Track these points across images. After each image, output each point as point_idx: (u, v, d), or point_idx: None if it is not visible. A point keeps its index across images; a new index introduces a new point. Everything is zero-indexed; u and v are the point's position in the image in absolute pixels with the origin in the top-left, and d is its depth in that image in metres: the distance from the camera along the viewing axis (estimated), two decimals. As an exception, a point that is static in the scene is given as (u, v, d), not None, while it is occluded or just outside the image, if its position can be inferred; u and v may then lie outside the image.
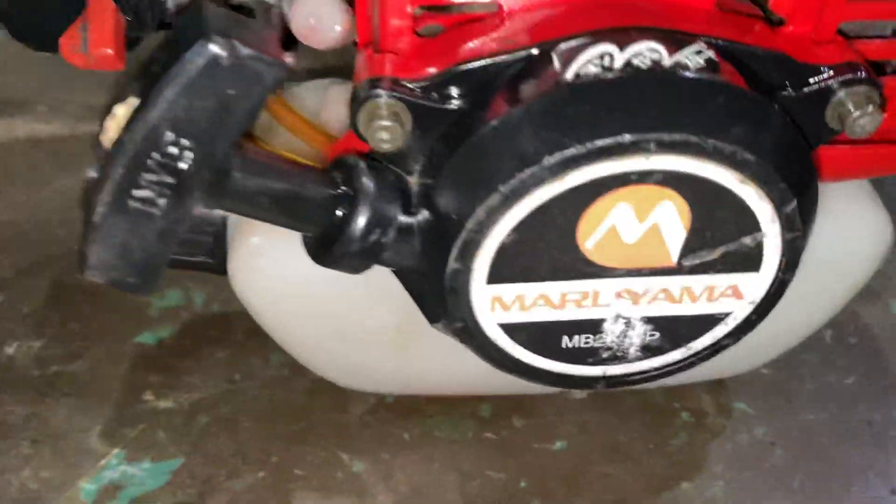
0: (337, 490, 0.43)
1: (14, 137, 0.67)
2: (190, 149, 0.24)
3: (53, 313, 0.53)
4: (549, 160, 0.25)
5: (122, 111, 0.24)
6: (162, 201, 0.25)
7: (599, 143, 0.25)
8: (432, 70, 0.28)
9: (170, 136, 0.24)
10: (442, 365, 0.41)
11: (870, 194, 0.39)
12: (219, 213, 0.38)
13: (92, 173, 0.25)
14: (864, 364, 0.50)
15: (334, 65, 0.52)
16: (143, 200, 0.24)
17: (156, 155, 0.24)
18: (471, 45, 0.28)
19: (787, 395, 0.48)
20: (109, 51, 0.29)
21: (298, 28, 0.32)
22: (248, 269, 0.36)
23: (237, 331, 0.52)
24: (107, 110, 0.24)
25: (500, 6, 0.29)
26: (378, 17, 0.29)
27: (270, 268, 0.36)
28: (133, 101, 0.24)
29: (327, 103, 0.39)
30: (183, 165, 0.24)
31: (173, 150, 0.24)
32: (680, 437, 0.46)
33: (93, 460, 0.45)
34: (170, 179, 0.24)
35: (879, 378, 0.50)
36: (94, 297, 0.54)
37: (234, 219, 0.37)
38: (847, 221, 0.37)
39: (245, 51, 0.23)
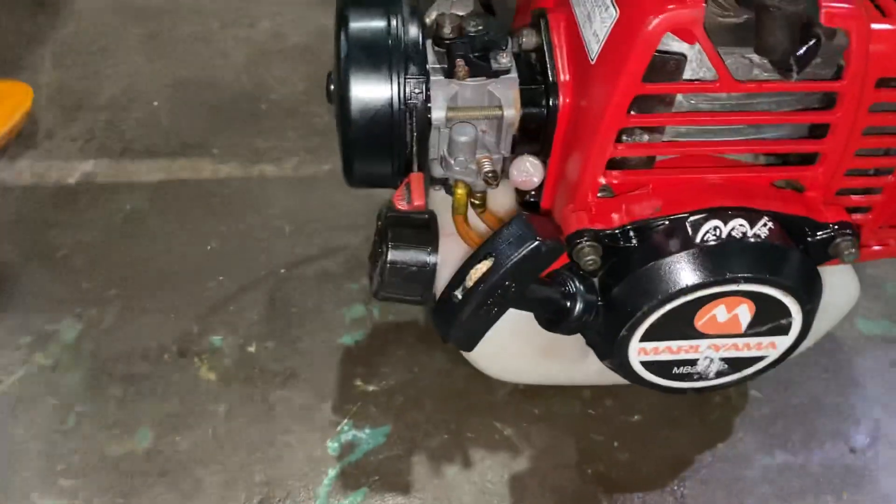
0: (496, 446, 0.65)
1: (202, 176, 0.85)
2: (514, 285, 0.45)
3: (275, 321, 0.73)
4: (685, 284, 0.47)
5: (481, 266, 0.45)
6: (495, 308, 0.46)
7: (713, 278, 0.46)
8: (615, 217, 0.49)
9: (507, 281, 0.45)
10: (562, 368, 0.63)
11: (847, 266, 0.61)
12: (429, 270, 0.59)
13: (457, 294, 0.46)
14: (836, 364, 0.72)
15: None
16: (487, 310, 0.45)
17: (498, 290, 0.45)
18: (636, 207, 0.49)
19: (784, 386, 0.69)
20: (419, 202, 0.49)
21: (515, 180, 0.53)
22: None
23: (408, 335, 0.73)
24: (465, 264, 0.45)
25: (650, 184, 0.50)
26: (579, 187, 0.50)
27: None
28: (488, 262, 0.45)
29: (495, 196, 0.59)
30: (510, 293, 0.45)
31: (507, 286, 0.45)
32: (715, 414, 0.67)
33: (331, 427, 0.66)
34: (502, 299, 0.45)
35: (844, 374, 0.72)
36: (302, 309, 0.74)
37: (443, 284, 0.58)
38: (830, 283, 0.59)
39: (549, 243, 0.44)
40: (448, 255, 0.58)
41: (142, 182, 0.82)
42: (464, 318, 0.47)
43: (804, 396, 0.69)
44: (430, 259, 0.57)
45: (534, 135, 0.52)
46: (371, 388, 0.68)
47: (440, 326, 0.49)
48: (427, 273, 0.57)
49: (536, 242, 0.45)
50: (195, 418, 0.65)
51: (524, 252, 0.44)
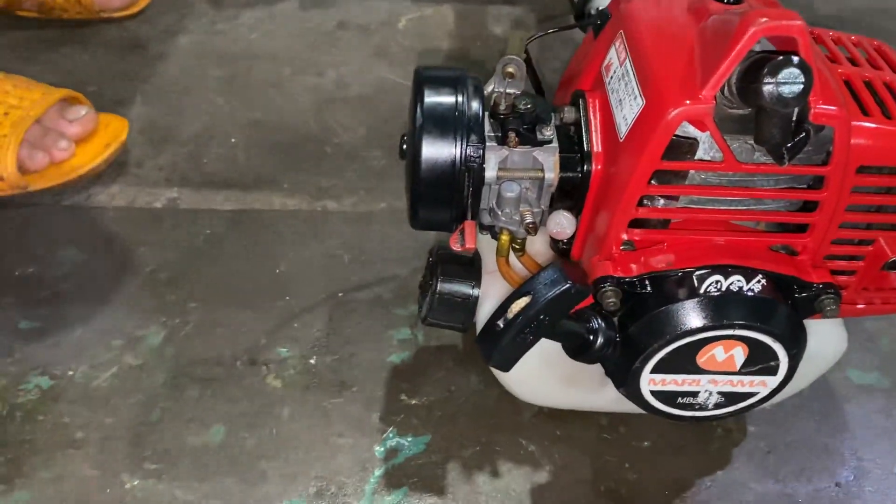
0: (521, 461, 0.73)
1: (272, 208, 0.96)
2: (547, 319, 0.55)
3: (333, 338, 0.83)
4: (690, 327, 0.56)
5: (521, 301, 0.55)
6: (530, 336, 0.56)
7: (713, 323, 0.56)
8: (633, 267, 0.58)
9: (541, 315, 0.54)
10: (583, 395, 0.72)
11: (837, 320, 0.70)
12: (471, 302, 0.69)
13: (500, 324, 0.56)
14: (828, 409, 0.80)
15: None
16: (523, 338, 0.55)
17: (533, 322, 0.55)
18: (652, 260, 0.58)
19: (780, 423, 0.78)
20: (471, 245, 0.59)
21: (551, 231, 0.62)
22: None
23: (447, 359, 0.82)
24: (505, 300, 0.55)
25: (665, 241, 0.59)
26: (605, 240, 0.59)
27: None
28: (526, 299, 0.54)
29: (533, 242, 0.69)
30: (543, 325, 0.55)
31: (541, 319, 0.55)
32: (716, 444, 0.76)
33: (378, 434, 0.75)
34: (536, 330, 0.55)
35: (835, 417, 0.80)
36: (356, 329, 0.84)
37: (482, 315, 0.68)
38: (821, 334, 0.68)
39: (578, 286, 0.54)
40: (488, 290, 0.68)
41: (219, 210, 0.93)
42: (504, 343, 0.56)
43: (797, 434, 0.77)
44: (473, 292, 0.67)
45: (569, 194, 0.62)
46: (414, 402, 0.77)
47: (484, 349, 0.59)
48: (469, 304, 0.67)
49: (567, 285, 0.54)
50: (261, 419, 0.75)
51: (557, 292, 0.54)
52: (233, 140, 1.02)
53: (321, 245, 0.90)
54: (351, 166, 0.99)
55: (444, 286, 0.67)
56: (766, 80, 0.49)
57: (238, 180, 0.97)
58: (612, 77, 0.60)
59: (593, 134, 0.60)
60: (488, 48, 1.18)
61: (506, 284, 0.65)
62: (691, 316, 0.56)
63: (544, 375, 0.70)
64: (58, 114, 0.94)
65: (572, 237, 0.63)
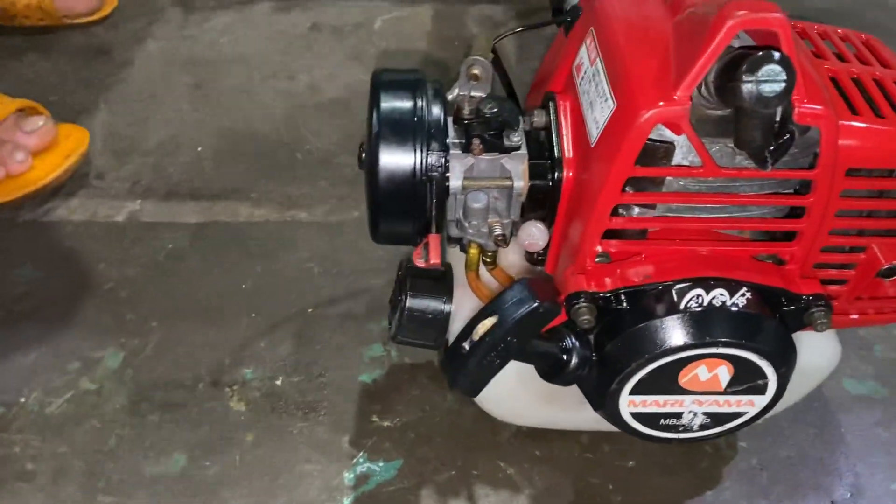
0: (499, 484, 0.70)
1: (239, 219, 0.92)
2: (515, 340, 0.51)
3: (301, 357, 0.78)
4: (670, 345, 0.52)
5: (487, 322, 0.51)
6: (498, 360, 0.52)
7: (694, 341, 0.52)
8: (608, 281, 0.54)
9: (508, 337, 0.51)
10: (563, 414, 0.68)
11: (830, 331, 0.66)
12: (443, 318, 0.65)
13: (465, 346, 0.52)
14: (822, 421, 0.76)
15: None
16: (490, 360, 0.51)
17: (501, 344, 0.51)
18: (629, 273, 0.55)
19: (772, 438, 0.74)
20: (436, 261, 0.55)
21: (522, 242, 0.58)
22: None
23: (422, 376, 0.78)
24: (474, 320, 0.51)
25: (643, 252, 0.55)
26: (578, 252, 0.55)
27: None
28: (493, 320, 0.51)
29: (506, 254, 0.65)
30: (512, 346, 0.51)
31: (509, 341, 0.51)
32: (704, 462, 0.72)
33: (347, 459, 0.71)
34: (504, 352, 0.51)
35: (830, 430, 0.76)
36: (326, 347, 0.80)
37: (455, 331, 0.64)
38: (812, 346, 0.64)
39: (547, 304, 0.50)
40: (462, 305, 0.64)
41: (184, 222, 0.89)
42: (470, 367, 0.52)
43: (790, 450, 0.73)
44: (445, 308, 0.63)
45: (540, 203, 0.58)
46: (386, 423, 0.73)
47: (448, 374, 0.55)
48: (441, 320, 0.64)
49: (535, 304, 0.51)
50: (225, 445, 0.71)
51: (524, 312, 0.50)
52: (199, 149, 0.98)
53: (290, 257, 0.86)
54: (322, 174, 0.95)
55: (413, 302, 0.63)
56: (744, 78, 0.46)
57: (204, 191, 0.93)
58: (582, 78, 0.56)
59: (564, 139, 0.56)
60: (467, 49, 1.14)
61: (478, 299, 0.62)
62: (671, 333, 0.52)
63: (522, 393, 0.66)
64: (14, 125, 0.90)
65: (546, 248, 0.59)
